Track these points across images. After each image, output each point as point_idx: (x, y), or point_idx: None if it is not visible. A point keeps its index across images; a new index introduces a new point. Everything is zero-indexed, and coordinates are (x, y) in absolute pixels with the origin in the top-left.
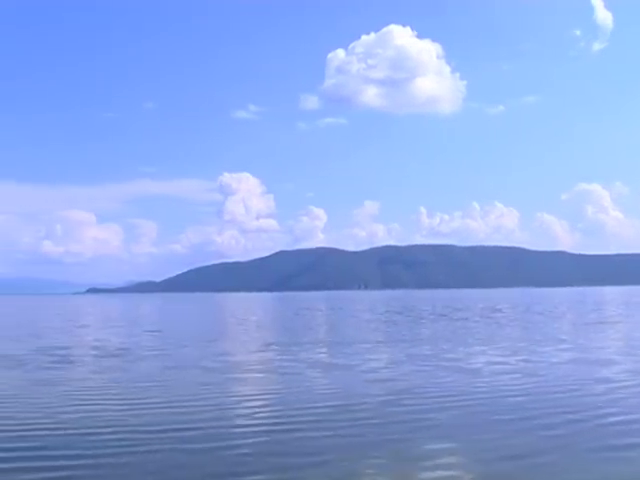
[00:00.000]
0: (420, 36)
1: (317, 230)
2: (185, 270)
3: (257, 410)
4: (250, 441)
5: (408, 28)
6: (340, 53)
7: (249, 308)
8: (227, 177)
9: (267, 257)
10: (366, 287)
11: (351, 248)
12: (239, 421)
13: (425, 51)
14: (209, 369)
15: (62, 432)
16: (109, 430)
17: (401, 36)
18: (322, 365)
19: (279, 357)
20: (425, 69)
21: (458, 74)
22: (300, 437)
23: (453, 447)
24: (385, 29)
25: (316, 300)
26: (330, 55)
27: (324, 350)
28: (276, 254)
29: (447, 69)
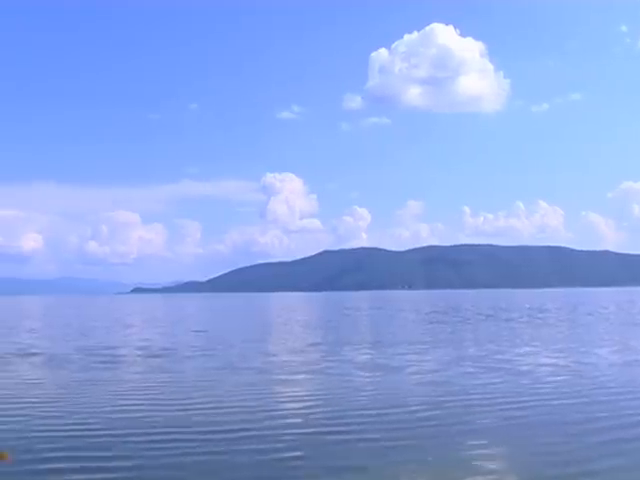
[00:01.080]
0: (463, 34)
1: (361, 230)
2: (229, 270)
3: (304, 412)
4: (298, 443)
5: (451, 26)
6: (383, 53)
7: (293, 308)
8: (270, 177)
9: (311, 257)
10: (409, 287)
11: (395, 248)
12: (286, 423)
13: (468, 49)
14: (256, 369)
15: (110, 433)
16: (158, 431)
17: (444, 35)
18: (369, 366)
19: (325, 358)
20: (468, 67)
21: (502, 72)
22: (345, 439)
23: (502, 451)
24: (428, 28)
25: (360, 300)
26: (373, 55)
27: (370, 351)
28: (320, 254)
29: (490, 67)
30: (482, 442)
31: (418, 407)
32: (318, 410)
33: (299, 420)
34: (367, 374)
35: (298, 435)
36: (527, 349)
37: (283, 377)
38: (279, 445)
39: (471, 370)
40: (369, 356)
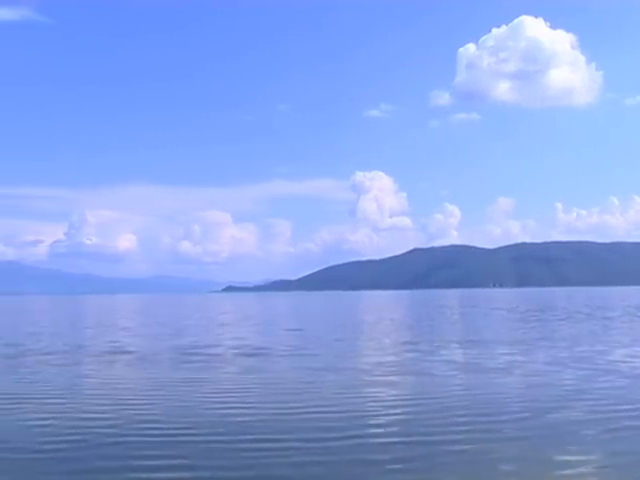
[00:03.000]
0: (553, 26)
1: (451, 227)
2: (319, 269)
3: (406, 417)
4: (404, 453)
5: (540, 19)
6: (471, 47)
7: (384, 306)
8: (360, 176)
9: (401, 255)
10: (500, 285)
11: (485, 245)
12: (390, 431)
13: (559, 41)
14: (352, 370)
15: (202, 437)
16: (253, 437)
17: (533, 27)
18: (470, 367)
19: (423, 358)
20: (559, 60)
21: (594, 64)
22: (438, 440)
23: (610, 462)
24: (516, 20)
25: (451, 298)
26: (461, 50)
27: (469, 351)
28: (410, 252)
29: (582, 59)
30: (588, 450)
31: (518, 410)
32: (421, 415)
33: (402, 427)
34: (469, 376)
35: (404, 443)
36: (637, 349)
37: (380, 378)
38: (385, 455)
39: (579, 372)
40: (468, 356)
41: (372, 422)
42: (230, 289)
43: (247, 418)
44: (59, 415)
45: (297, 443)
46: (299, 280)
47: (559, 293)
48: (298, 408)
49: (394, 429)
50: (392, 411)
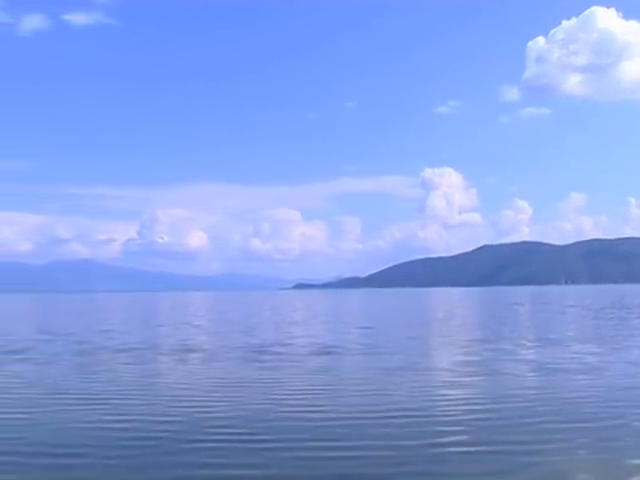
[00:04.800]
0: (626, 17)
1: (521, 224)
2: (389, 266)
3: (483, 419)
4: (478, 456)
5: (612, 9)
6: (540, 41)
7: (455, 303)
8: (429, 172)
9: (470, 252)
10: (572, 282)
11: (557, 242)
12: (465, 433)
13: (631, 32)
14: (427, 369)
15: (275, 442)
16: (328, 444)
17: (605, 18)
18: (545, 367)
19: (498, 357)
20: (632, 52)
21: None
22: (513, 440)
23: None
24: (587, 12)
25: (522, 295)
26: (530, 44)
27: (545, 350)
28: (479, 249)
29: None
30: None
31: (616, 417)
32: (504, 420)
33: (485, 434)
34: (551, 377)
35: (488, 453)
36: None
37: (458, 379)
38: (471, 467)
39: None
40: (548, 356)
41: (453, 428)
42: (300, 286)
43: (321, 421)
44: (132, 417)
45: (375, 451)
46: (368, 277)
47: (633, 290)
48: (374, 412)
49: (477, 436)
50: (473, 416)
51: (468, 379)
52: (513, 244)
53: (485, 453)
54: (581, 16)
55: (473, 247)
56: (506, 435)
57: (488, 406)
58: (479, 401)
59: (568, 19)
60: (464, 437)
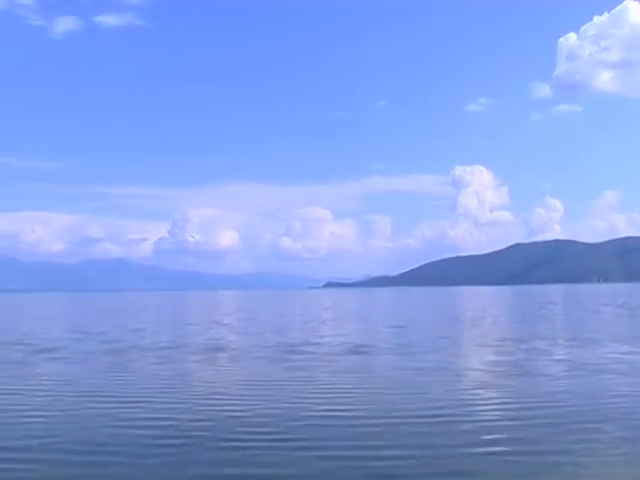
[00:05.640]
0: None
1: (553, 222)
2: (419, 264)
3: (521, 423)
4: (514, 460)
5: None
6: (571, 37)
7: (487, 302)
8: (460, 170)
9: (502, 250)
10: (605, 280)
11: (589, 240)
12: (502, 442)
13: None
14: (460, 370)
15: (308, 441)
16: (361, 443)
17: (637, 13)
18: (583, 367)
19: (533, 357)
20: None
21: None
22: (548, 440)
23: None
24: (619, 7)
25: (555, 294)
26: (561, 40)
27: (581, 349)
28: (511, 247)
29: None
30: None
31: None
32: (541, 424)
33: (523, 438)
34: (590, 378)
35: (523, 454)
36: None
37: (493, 380)
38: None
39: None
40: (585, 355)
41: (487, 429)
42: (330, 285)
43: (352, 421)
44: (165, 416)
45: (408, 451)
46: (398, 276)
47: None
48: (406, 412)
49: (511, 436)
50: (507, 416)
51: (502, 380)
52: (545, 242)
53: (519, 454)
54: (613, 11)
55: (504, 245)
56: (541, 436)
57: (523, 407)
58: (514, 402)
59: (600, 14)
60: (498, 437)
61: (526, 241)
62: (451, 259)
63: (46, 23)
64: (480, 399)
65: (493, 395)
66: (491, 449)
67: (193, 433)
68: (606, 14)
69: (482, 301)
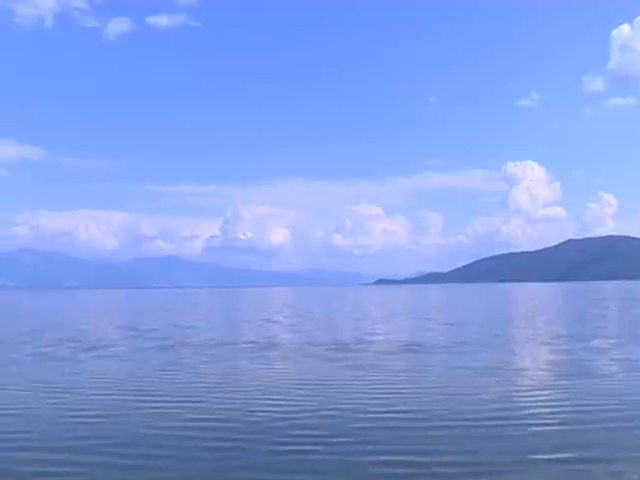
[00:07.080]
0: None
1: (607, 217)
2: (471, 261)
3: (583, 430)
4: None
5: None
6: (625, 29)
7: (540, 299)
8: (512, 166)
9: (554, 246)
10: None
11: None
12: (565, 448)
13: None
14: (517, 370)
15: (361, 444)
16: (414, 448)
17: None
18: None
19: (593, 356)
20: None
21: None
22: (605, 444)
23: None
24: None
25: (610, 291)
26: (614, 32)
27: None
28: (563, 243)
29: None
30: None
31: None
32: (605, 430)
33: (585, 445)
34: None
35: (577, 459)
36: None
37: (552, 381)
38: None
39: None
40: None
41: (552, 439)
42: (381, 282)
43: (403, 422)
44: (215, 416)
45: (461, 457)
46: (451, 272)
47: None
48: (460, 414)
49: (569, 441)
50: (571, 424)
51: (561, 380)
52: (598, 238)
53: (582, 461)
54: None
55: (557, 241)
56: (605, 441)
57: (585, 410)
58: (575, 404)
59: None
60: (559, 443)
61: (579, 237)
62: (503, 255)
63: (100, 25)
64: (539, 401)
65: (552, 396)
66: (553, 456)
67: (244, 436)
68: None
69: (535, 298)
